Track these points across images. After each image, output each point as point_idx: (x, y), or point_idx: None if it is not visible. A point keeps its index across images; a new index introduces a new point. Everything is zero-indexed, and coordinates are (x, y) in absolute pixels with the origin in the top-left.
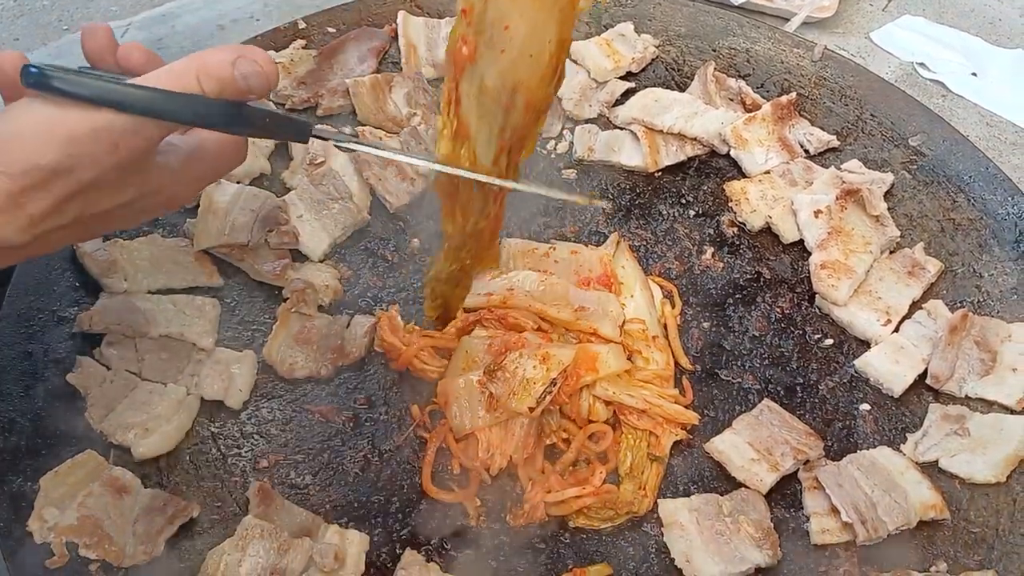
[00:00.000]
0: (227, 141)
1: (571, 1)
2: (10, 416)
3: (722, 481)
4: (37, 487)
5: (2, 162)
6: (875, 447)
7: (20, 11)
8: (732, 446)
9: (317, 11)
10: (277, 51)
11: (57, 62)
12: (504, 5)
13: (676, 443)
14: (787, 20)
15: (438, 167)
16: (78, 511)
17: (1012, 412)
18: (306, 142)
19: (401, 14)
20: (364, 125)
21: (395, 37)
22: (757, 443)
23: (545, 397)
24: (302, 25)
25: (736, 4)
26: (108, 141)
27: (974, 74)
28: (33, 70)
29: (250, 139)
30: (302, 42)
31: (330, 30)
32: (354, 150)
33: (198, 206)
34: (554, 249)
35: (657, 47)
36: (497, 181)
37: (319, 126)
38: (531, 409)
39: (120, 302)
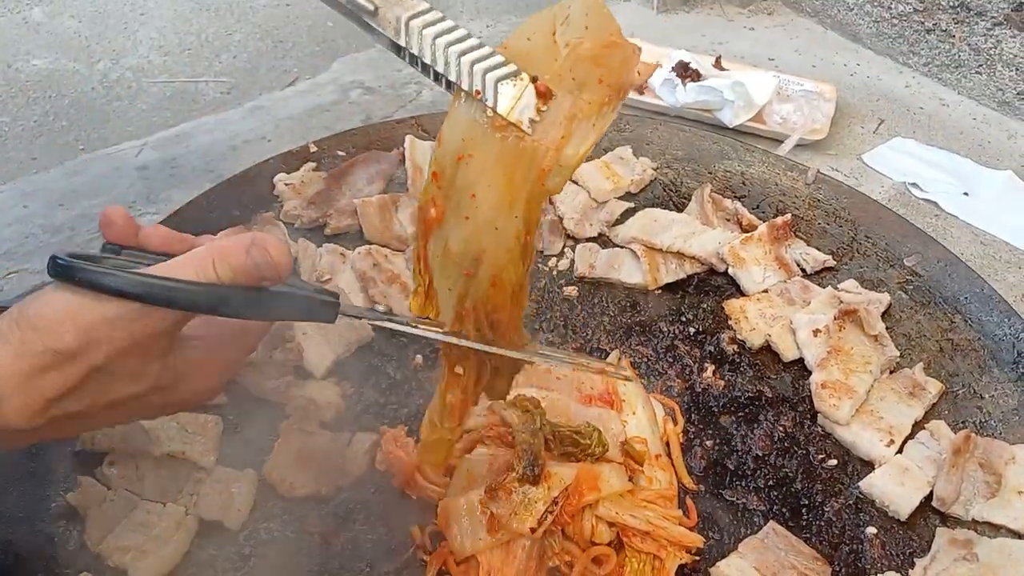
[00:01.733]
0: (244, 328)
1: (539, 180)
2: (6, 537)
3: None
4: None
5: (22, 343)
6: (883, 572)
7: (39, 131)
8: (739, 571)
9: (327, 134)
10: (288, 172)
11: (73, 180)
12: (473, 174)
13: (680, 567)
14: (780, 142)
15: (474, 345)
16: None
17: (1020, 536)
18: (333, 322)
19: (408, 138)
20: (371, 243)
21: (402, 160)
22: (764, 568)
23: (547, 517)
24: (313, 148)
25: (730, 127)
26: (123, 329)
27: (966, 194)
28: (60, 262)
29: None
30: (313, 164)
31: (340, 153)
32: (390, 327)
33: None
34: (556, 365)
35: (655, 169)
36: (525, 356)
37: (348, 305)
38: (533, 529)
39: None
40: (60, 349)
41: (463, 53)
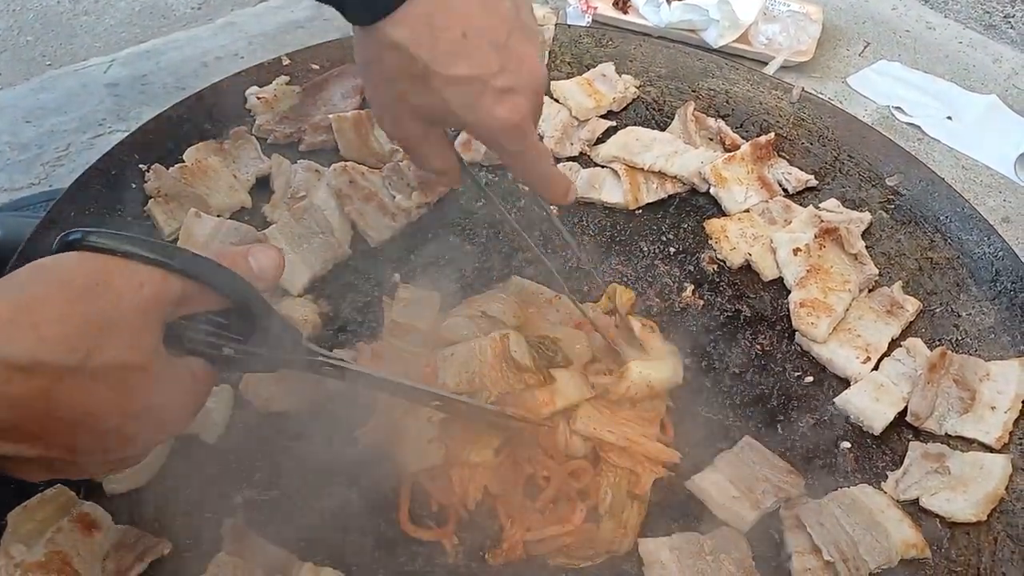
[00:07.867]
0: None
1: None
2: None
3: (703, 519)
4: (4, 522)
5: (28, 279)
6: (856, 485)
7: (3, 46)
8: (713, 484)
9: (301, 48)
10: (260, 86)
11: (41, 97)
12: None
13: (656, 480)
14: (765, 64)
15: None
16: (46, 547)
17: (992, 450)
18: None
19: None
20: (347, 160)
21: None
22: (738, 481)
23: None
24: (286, 61)
25: (715, 47)
26: (136, 280)
27: (949, 118)
28: (74, 235)
29: (233, 174)
30: (286, 78)
31: (314, 66)
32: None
33: (177, 239)
34: (559, 298)
35: (638, 87)
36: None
37: (312, 347)
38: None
39: None
40: (70, 283)
41: None
